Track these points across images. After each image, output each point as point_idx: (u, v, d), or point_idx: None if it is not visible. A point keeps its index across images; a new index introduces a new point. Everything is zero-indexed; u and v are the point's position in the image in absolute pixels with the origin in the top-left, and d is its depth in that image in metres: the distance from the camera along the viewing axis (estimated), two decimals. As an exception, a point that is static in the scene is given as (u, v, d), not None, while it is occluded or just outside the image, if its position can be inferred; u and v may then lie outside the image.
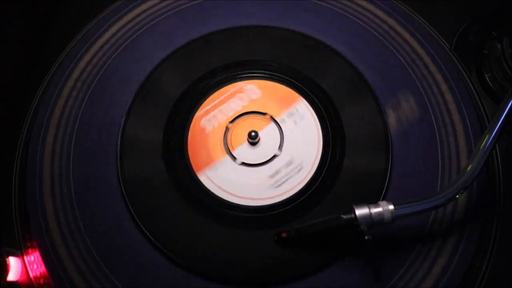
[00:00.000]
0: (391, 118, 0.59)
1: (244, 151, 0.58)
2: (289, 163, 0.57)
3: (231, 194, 0.56)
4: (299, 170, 0.57)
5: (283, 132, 0.59)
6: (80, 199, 0.56)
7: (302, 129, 0.59)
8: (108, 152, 0.58)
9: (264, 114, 0.60)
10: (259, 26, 0.65)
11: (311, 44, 0.63)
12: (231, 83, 0.62)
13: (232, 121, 0.60)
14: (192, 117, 0.60)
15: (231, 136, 0.59)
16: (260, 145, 0.59)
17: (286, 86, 0.61)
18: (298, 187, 0.56)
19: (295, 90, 0.61)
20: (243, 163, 0.58)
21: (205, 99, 0.61)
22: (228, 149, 0.59)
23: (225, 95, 0.61)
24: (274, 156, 0.58)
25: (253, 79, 0.62)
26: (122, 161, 0.57)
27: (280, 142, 0.59)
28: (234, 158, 0.58)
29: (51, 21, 0.68)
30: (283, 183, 0.56)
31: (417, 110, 0.60)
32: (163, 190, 0.56)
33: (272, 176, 0.57)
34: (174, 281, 0.52)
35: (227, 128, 0.60)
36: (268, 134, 0.59)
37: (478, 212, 0.55)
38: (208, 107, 0.61)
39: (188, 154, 0.58)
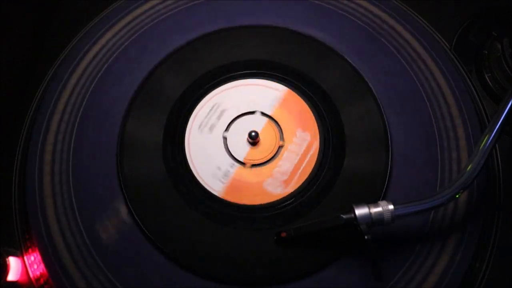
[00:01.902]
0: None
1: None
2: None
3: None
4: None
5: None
6: (80, 199, 0.56)
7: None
8: (108, 152, 0.58)
9: (253, 112, 0.60)
10: (259, 26, 0.65)
11: (311, 44, 0.63)
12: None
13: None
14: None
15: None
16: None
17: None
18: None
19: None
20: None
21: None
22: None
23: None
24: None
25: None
26: (122, 161, 0.57)
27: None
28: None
29: (51, 21, 0.68)
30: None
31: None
32: (163, 190, 0.56)
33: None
34: (174, 281, 0.52)
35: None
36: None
37: (478, 212, 0.55)
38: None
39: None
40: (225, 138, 0.59)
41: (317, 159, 0.57)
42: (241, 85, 0.62)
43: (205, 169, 0.57)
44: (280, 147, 0.58)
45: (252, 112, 0.60)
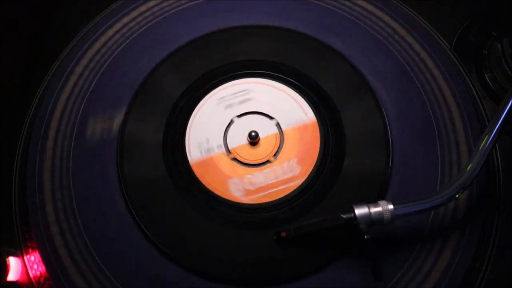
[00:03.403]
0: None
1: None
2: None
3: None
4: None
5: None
6: (80, 199, 0.56)
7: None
8: (108, 152, 0.58)
9: (271, 118, 0.60)
10: (259, 26, 0.65)
11: (311, 44, 0.63)
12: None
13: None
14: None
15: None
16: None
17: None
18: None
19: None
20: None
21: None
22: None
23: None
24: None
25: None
26: (122, 161, 0.57)
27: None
28: (225, 142, 0.58)
29: (51, 21, 0.68)
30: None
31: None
32: (163, 190, 0.56)
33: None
34: (174, 281, 0.52)
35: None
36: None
37: (478, 212, 0.55)
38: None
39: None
40: (232, 122, 0.59)
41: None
42: (274, 87, 0.61)
43: (197, 136, 0.58)
44: (268, 161, 0.58)
45: (270, 117, 0.60)
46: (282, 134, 0.59)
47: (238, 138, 0.59)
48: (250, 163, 0.58)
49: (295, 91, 0.61)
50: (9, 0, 0.63)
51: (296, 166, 0.57)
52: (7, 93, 0.62)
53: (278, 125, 0.60)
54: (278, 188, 0.56)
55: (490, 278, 0.53)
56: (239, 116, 0.60)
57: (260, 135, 0.58)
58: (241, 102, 0.60)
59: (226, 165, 0.57)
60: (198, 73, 0.62)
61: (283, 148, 0.59)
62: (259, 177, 0.57)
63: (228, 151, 0.58)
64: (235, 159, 0.58)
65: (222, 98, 0.60)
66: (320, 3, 0.67)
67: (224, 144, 0.58)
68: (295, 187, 0.56)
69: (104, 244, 0.54)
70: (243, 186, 0.56)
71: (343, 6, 0.66)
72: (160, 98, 0.61)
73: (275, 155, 0.58)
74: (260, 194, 0.56)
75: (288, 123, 0.60)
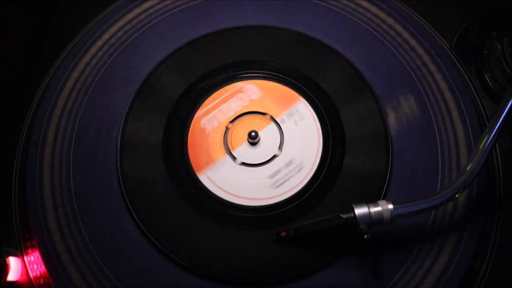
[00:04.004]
0: (391, 117, 0.59)
1: (244, 151, 0.58)
2: (289, 163, 0.57)
3: (231, 194, 0.56)
4: (299, 170, 0.57)
5: (283, 132, 0.59)
6: (80, 199, 0.56)
7: (302, 129, 0.59)
8: (108, 152, 0.58)
9: (264, 114, 0.60)
10: (259, 26, 0.65)
11: (311, 44, 0.63)
12: (231, 83, 0.62)
13: (232, 121, 0.60)
14: (192, 117, 0.60)
15: (231, 136, 0.59)
16: (260, 145, 0.59)
17: (286, 86, 0.61)
18: (298, 187, 0.56)
19: (295, 90, 0.61)
20: (243, 163, 0.58)
21: (205, 99, 0.61)
22: (228, 149, 0.59)
23: (225, 95, 0.61)
24: (274, 156, 0.58)
25: (253, 79, 0.62)
26: (122, 161, 0.57)
27: (280, 142, 0.59)
28: (234, 158, 0.58)
29: (51, 21, 0.68)
30: (283, 183, 0.56)
31: (416, 110, 0.60)
32: (163, 190, 0.56)
33: (272, 176, 0.57)
34: (174, 281, 0.52)
35: (227, 128, 0.60)
36: (268, 134, 0.59)
37: (478, 212, 0.55)
38: (208, 107, 0.61)
39: (188, 154, 0.58)
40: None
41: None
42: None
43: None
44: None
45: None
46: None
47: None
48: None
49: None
50: (9, 0, 0.63)
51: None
52: (7, 93, 0.62)
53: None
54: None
55: (490, 278, 0.53)
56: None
57: (259, 133, 0.58)
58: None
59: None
60: (198, 73, 0.62)
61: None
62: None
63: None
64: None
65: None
66: (321, 3, 0.67)
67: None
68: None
69: (104, 244, 0.54)
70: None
71: (343, 6, 0.66)
72: (160, 98, 0.61)
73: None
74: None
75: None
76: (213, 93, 0.61)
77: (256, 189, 0.56)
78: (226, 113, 0.61)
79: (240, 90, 0.62)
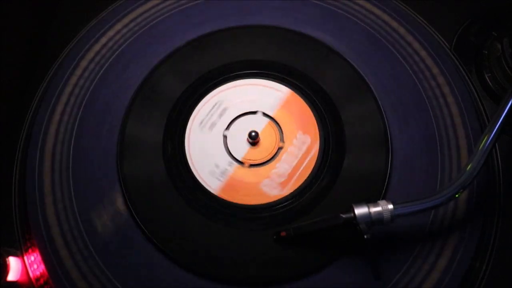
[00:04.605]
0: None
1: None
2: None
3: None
4: (308, 138, 0.57)
5: (283, 133, 0.59)
6: (80, 199, 0.56)
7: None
8: (108, 152, 0.58)
9: (255, 112, 0.60)
10: (259, 26, 0.65)
11: (311, 44, 0.63)
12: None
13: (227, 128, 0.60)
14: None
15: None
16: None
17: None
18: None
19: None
20: (243, 163, 0.58)
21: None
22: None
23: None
24: (279, 149, 0.58)
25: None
26: (122, 161, 0.57)
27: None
28: (233, 156, 0.58)
29: (51, 21, 0.68)
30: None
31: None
32: (163, 190, 0.56)
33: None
34: (174, 281, 0.52)
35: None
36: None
37: (478, 212, 0.55)
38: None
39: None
40: (225, 137, 0.59)
41: (317, 159, 0.57)
42: (243, 85, 0.62)
43: (204, 166, 0.57)
44: (280, 148, 0.58)
45: (254, 112, 0.60)
46: (273, 119, 0.59)
47: (241, 146, 0.59)
48: (266, 159, 0.58)
49: (290, 88, 0.61)
50: (9, 0, 0.63)
51: (305, 136, 0.58)
52: (7, 93, 0.62)
53: (265, 114, 0.60)
54: (303, 164, 0.57)
55: (490, 278, 0.53)
56: (227, 128, 0.59)
57: (257, 131, 0.58)
58: (220, 115, 0.60)
59: (247, 175, 0.57)
60: (197, 73, 0.62)
61: (283, 130, 0.59)
62: (282, 165, 0.57)
63: (240, 162, 0.58)
64: (251, 165, 0.58)
65: (201, 122, 0.59)
66: (320, 3, 0.66)
67: (233, 159, 0.58)
68: (315, 155, 0.57)
69: (104, 244, 0.54)
70: (275, 182, 0.56)
71: (343, 6, 0.66)
72: (160, 98, 0.61)
73: (282, 140, 0.58)
74: (294, 180, 0.56)
75: (272, 107, 0.60)
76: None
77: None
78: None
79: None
